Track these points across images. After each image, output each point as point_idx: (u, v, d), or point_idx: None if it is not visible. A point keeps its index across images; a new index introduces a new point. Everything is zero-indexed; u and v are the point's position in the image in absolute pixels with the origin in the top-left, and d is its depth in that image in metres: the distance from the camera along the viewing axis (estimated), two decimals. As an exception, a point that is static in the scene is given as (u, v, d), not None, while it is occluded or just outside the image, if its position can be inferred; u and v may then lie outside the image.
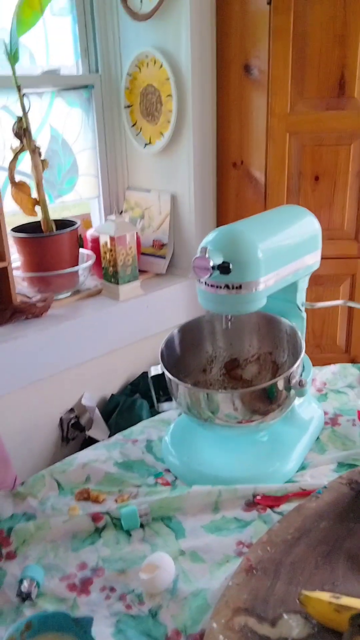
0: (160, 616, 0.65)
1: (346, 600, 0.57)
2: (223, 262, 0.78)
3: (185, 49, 1.59)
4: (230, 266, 0.77)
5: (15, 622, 0.63)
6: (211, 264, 0.77)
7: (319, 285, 1.70)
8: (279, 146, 1.60)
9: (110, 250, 1.60)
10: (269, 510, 0.80)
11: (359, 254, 1.68)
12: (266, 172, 1.64)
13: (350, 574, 0.65)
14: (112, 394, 1.71)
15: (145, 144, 1.79)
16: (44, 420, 1.58)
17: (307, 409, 0.98)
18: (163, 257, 1.82)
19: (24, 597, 0.68)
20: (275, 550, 0.68)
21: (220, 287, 0.80)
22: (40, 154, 1.55)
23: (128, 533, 0.78)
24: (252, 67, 1.59)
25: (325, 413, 1.03)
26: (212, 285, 0.81)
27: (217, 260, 0.78)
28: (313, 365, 0.98)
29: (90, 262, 1.66)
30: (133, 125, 1.81)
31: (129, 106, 1.80)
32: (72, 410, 1.63)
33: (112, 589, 0.69)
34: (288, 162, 1.62)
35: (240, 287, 0.80)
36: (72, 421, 1.61)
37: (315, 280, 1.67)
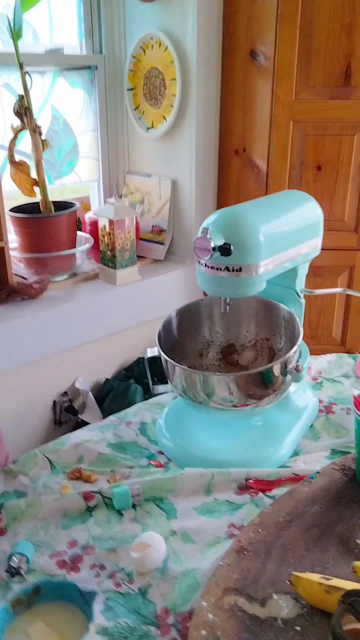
0: (149, 594, 0.65)
1: (336, 582, 0.57)
2: (224, 244, 0.77)
3: (191, 32, 1.57)
4: (231, 248, 0.77)
5: (22, 585, 0.63)
6: (212, 244, 0.76)
7: (318, 277, 1.70)
8: (282, 134, 1.59)
9: (109, 234, 1.59)
10: (261, 494, 0.80)
11: (359, 246, 1.68)
12: (268, 160, 1.63)
13: (340, 558, 0.65)
14: (107, 379, 1.71)
15: (148, 128, 1.77)
16: (37, 403, 1.58)
17: (302, 396, 0.98)
18: (162, 243, 1.81)
19: (14, 572, 0.67)
20: (266, 532, 0.68)
21: (220, 269, 0.80)
22: (40, 134, 1.54)
23: (119, 513, 0.77)
24: (258, 53, 1.57)
25: (320, 401, 1.03)
26: (212, 267, 0.80)
27: (218, 241, 0.77)
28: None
29: (88, 245, 1.65)
30: (135, 109, 1.79)
31: (132, 89, 1.78)
32: (65, 393, 1.62)
33: (102, 567, 0.69)
34: (291, 150, 1.61)
35: (240, 269, 0.79)
36: (66, 404, 1.61)
37: (314, 271, 1.66)
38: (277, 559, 0.65)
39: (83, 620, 0.60)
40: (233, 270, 0.79)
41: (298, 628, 0.57)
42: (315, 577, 0.58)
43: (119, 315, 1.65)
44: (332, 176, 1.62)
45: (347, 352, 1.79)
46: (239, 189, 1.75)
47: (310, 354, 1.01)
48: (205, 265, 0.81)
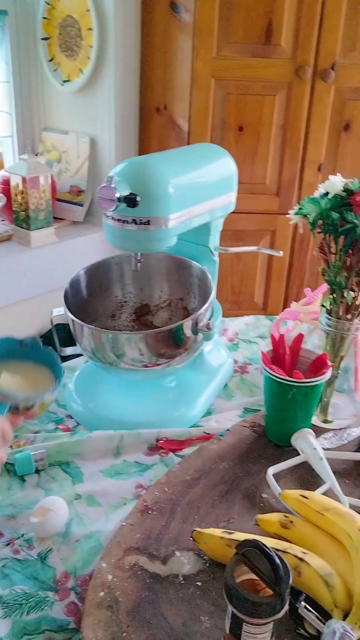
0: (49, 559, 0.62)
1: (238, 535, 0.56)
2: (130, 194, 0.73)
3: (107, -22, 1.49)
4: (138, 199, 0.73)
5: None
6: (117, 195, 0.72)
7: (240, 241, 1.69)
8: (204, 92, 1.55)
9: (22, 193, 1.50)
10: (171, 454, 0.78)
11: (280, 210, 1.68)
12: (190, 119, 1.59)
13: (245, 512, 0.64)
14: (23, 346, 1.63)
15: (64, 81, 1.67)
16: None
17: (216, 356, 0.97)
18: (80, 204, 1.74)
19: None
20: (172, 490, 0.67)
21: (128, 222, 0.76)
22: None
23: (22, 479, 0.74)
24: (178, 5, 1.51)
25: (235, 362, 1.02)
26: (118, 220, 0.76)
27: (124, 191, 0.73)
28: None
29: None
30: (50, 60, 1.68)
31: (46, 38, 1.66)
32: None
33: (-1, 535, 0.65)
34: (213, 110, 1.57)
35: (148, 222, 0.75)
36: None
37: (236, 235, 1.66)
38: (181, 516, 0.63)
39: (42, 370, 0.57)
40: (141, 223, 0.75)
41: (199, 583, 0.56)
42: (217, 531, 0.57)
43: (34, 279, 1.57)
44: (254, 138, 1.60)
45: (268, 316, 1.82)
46: (161, 149, 1.70)
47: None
48: (112, 218, 0.76)
